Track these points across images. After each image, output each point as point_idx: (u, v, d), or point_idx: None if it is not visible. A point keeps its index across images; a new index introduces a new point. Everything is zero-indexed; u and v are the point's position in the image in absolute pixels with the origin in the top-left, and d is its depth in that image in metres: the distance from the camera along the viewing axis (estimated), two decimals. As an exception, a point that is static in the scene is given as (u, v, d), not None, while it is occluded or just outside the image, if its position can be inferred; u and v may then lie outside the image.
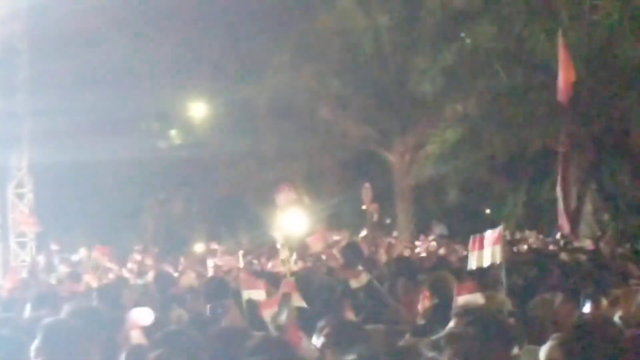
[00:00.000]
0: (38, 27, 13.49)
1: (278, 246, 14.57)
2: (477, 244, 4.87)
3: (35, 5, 13.14)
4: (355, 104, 17.05)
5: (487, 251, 4.74)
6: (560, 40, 15.09)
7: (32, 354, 3.19)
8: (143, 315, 4.68)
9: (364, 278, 5.71)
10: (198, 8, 16.39)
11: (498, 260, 4.61)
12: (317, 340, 3.42)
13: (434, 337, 2.88)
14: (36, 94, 13.89)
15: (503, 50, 15.93)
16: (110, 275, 10.34)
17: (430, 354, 2.80)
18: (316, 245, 7.49)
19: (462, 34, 16.28)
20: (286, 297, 4.78)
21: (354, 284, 5.72)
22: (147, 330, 4.16)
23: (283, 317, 4.96)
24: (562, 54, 15.50)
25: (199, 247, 15.56)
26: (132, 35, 16.57)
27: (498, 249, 4.62)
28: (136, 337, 4.06)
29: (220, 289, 6.15)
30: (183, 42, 16.46)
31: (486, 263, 4.76)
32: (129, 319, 4.55)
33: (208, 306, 5.46)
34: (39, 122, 13.59)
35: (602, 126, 16.25)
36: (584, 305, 4.82)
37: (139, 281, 9.39)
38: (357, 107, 17.08)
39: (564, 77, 15.37)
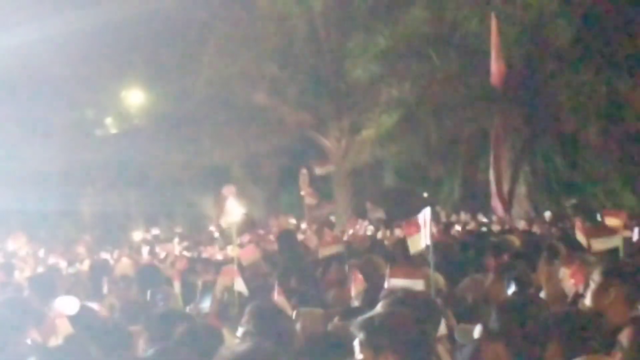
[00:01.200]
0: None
1: (215, 234, 15.00)
2: (412, 228, 4.96)
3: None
4: (291, 89, 16.73)
5: (422, 233, 4.84)
6: (493, 25, 15.55)
7: None
8: (68, 304, 4.66)
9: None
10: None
11: (428, 241, 4.74)
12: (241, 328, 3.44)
13: (360, 318, 2.92)
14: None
15: (436, 35, 15.97)
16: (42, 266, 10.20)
17: (360, 335, 2.77)
18: (247, 259, 7.56)
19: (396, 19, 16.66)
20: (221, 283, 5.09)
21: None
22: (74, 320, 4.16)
23: (206, 305, 5.19)
24: (494, 38, 16.10)
25: (136, 235, 15.38)
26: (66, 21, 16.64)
27: (428, 230, 4.74)
28: (62, 326, 4.02)
29: (153, 276, 6.36)
30: (118, 29, 16.55)
31: (422, 245, 4.86)
32: (55, 307, 4.54)
33: (149, 292, 5.50)
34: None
35: (535, 108, 16.59)
36: (512, 284, 4.92)
37: (70, 270, 9.34)
38: (293, 93, 16.78)
39: (497, 60, 15.95)
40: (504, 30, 15.63)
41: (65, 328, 3.98)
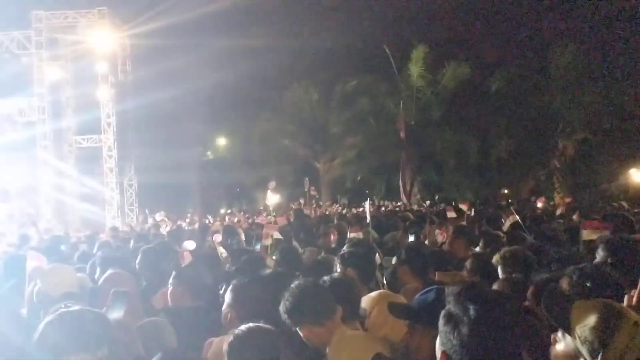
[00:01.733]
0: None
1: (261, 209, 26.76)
2: (362, 208, 8.64)
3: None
4: (301, 138, 29.92)
5: (366, 211, 7.30)
6: (401, 107, 27.81)
7: None
8: (190, 245, 6.54)
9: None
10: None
11: (368, 215, 7.01)
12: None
13: (338, 254, 4.13)
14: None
15: (374, 112, 29.03)
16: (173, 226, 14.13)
17: (338, 261, 3.97)
18: (280, 223, 9.31)
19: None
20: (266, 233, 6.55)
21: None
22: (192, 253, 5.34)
23: (258, 247, 6.95)
24: (402, 114, 28.17)
25: (222, 210, 28.06)
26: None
27: (369, 209, 7.15)
28: (187, 257, 5.06)
29: (231, 231, 8.98)
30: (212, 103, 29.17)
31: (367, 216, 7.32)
32: (183, 247, 6.20)
33: (228, 239, 8.21)
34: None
35: (422, 149, 28.32)
36: (411, 235, 6.70)
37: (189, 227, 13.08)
38: (302, 140, 29.87)
39: (403, 124, 27.66)
40: (404, 107, 27.01)
41: (188, 258, 5.01)
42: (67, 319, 1.94)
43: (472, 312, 1.73)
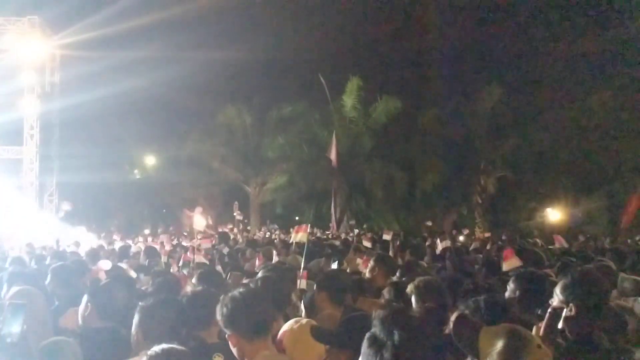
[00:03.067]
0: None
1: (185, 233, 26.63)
2: (296, 230, 7.09)
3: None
4: (232, 161, 29.50)
5: (299, 235, 7.00)
6: (334, 137, 29.05)
7: None
8: (106, 265, 6.60)
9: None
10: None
11: (305, 239, 6.84)
12: None
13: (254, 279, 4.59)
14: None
15: (306, 139, 29.36)
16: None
17: (257, 284, 4.24)
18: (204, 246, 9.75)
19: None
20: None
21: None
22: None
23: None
24: (334, 145, 29.12)
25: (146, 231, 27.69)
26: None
27: (304, 235, 6.87)
28: (102, 277, 5.22)
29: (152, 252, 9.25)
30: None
31: (297, 240, 7.12)
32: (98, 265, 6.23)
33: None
34: None
35: (353, 178, 28.64)
36: (334, 263, 7.21)
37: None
38: (233, 163, 29.55)
39: (334, 154, 28.91)
40: (336, 137, 26.48)
41: (103, 277, 5.34)
42: None
43: (396, 336, 1.80)
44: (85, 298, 3.68)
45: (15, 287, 3.64)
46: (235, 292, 2.89)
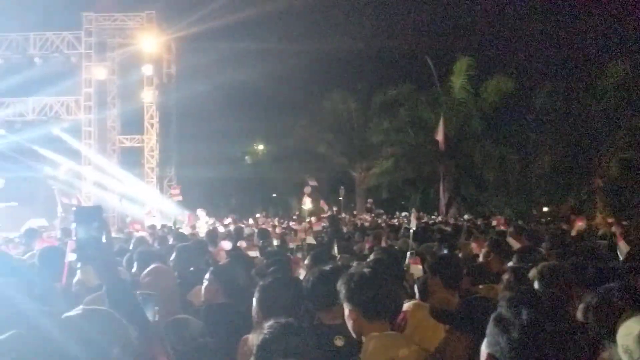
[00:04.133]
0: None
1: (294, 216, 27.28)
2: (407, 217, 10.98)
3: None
4: (338, 147, 30.13)
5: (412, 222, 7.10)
6: (441, 119, 27.20)
7: None
8: (226, 245, 7.16)
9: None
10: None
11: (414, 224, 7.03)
12: None
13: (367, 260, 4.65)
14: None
15: (412, 122, 29.06)
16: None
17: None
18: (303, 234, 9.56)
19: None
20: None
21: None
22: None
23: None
24: (441, 126, 28.44)
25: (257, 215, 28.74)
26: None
27: (412, 220, 7.02)
28: (223, 257, 5.63)
29: (265, 234, 9.55)
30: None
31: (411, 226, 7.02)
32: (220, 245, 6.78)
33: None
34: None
35: (460, 160, 28.57)
36: (445, 248, 7.09)
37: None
38: (339, 148, 30.07)
39: (442, 136, 26.96)
40: (444, 119, 26.42)
41: (223, 257, 5.63)
42: (86, 316, 1.92)
43: (524, 315, 1.75)
44: (208, 276, 3.85)
45: (152, 264, 3.86)
46: (364, 269, 2.85)
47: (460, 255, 6.71)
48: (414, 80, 29.06)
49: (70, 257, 4.22)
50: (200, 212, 17.19)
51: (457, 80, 28.04)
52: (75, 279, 3.93)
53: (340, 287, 2.78)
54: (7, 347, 1.71)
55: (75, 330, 1.82)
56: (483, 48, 30.07)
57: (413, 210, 7.38)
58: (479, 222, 17.71)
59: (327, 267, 3.30)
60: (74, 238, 2.17)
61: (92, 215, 2.18)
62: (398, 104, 28.79)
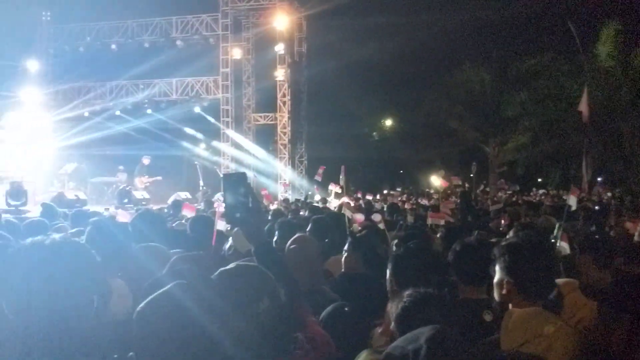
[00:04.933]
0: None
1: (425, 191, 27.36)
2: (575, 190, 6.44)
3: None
4: (470, 121, 29.11)
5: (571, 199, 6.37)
6: (585, 90, 26.51)
7: None
8: (360, 217, 7.41)
9: None
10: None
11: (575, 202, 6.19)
12: None
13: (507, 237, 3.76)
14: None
15: (552, 93, 27.61)
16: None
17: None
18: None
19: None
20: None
21: None
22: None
23: None
24: (585, 97, 26.63)
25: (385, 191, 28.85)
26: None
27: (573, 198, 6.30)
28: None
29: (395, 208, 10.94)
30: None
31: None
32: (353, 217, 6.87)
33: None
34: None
35: (603, 133, 26.19)
36: (592, 226, 6.90)
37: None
38: (472, 122, 29.06)
39: (585, 107, 26.61)
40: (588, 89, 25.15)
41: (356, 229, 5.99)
42: (234, 272, 2.07)
43: None
44: (347, 247, 3.94)
45: (297, 234, 4.06)
46: (520, 241, 2.74)
47: (612, 233, 6.39)
48: (555, 49, 27.31)
49: (219, 225, 4.53)
50: (333, 186, 17.53)
51: (604, 48, 25.80)
52: (227, 245, 4.17)
53: (499, 260, 2.67)
54: (169, 295, 1.92)
55: (229, 280, 2.00)
56: (633, 12, 27.25)
57: (572, 186, 6.68)
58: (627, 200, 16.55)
59: (473, 240, 3.24)
60: (223, 203, 2.30)
61: (239, 182, 2.33)
62: (536, 74, 27.15)
